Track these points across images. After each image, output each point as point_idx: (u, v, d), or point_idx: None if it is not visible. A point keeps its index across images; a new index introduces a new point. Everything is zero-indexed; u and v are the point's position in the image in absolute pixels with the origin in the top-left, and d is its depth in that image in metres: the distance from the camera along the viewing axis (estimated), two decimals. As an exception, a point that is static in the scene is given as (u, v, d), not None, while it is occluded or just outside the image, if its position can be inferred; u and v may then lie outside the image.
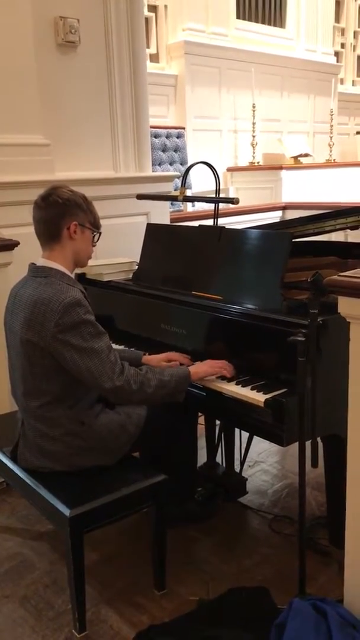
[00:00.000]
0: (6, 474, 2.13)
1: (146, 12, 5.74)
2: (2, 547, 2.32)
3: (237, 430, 2.57)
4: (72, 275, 1.99)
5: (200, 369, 2.03)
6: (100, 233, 2.06)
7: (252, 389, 1.90)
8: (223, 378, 2.02)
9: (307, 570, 1.86)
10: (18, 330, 1.89)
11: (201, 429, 2.65)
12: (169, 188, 3.63)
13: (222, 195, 2.68)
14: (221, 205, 2.62)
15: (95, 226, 2.04)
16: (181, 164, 5.64)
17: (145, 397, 1.92)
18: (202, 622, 1.84)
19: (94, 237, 2.04)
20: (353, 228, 2.84)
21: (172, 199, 3.21)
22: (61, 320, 1.80)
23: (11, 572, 2.18)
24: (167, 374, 1.96)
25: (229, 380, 2.00)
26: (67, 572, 1.87)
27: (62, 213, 1.93)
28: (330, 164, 6.78)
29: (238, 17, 6.75)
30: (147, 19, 5.74)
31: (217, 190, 2.53)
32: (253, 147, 6.34)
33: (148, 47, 5.78)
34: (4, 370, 2.09)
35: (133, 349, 2.33)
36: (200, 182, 5.29)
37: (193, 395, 2.09)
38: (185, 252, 2.49)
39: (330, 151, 7.01)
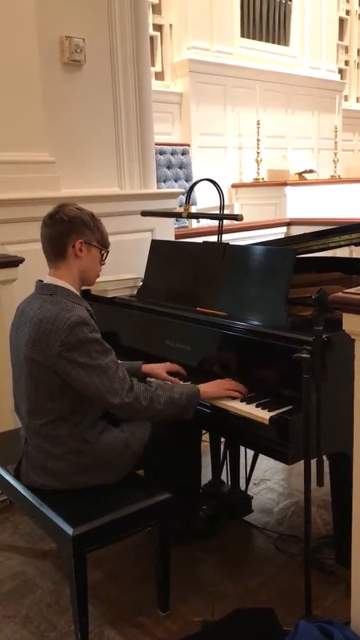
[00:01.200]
0: (9, 492, 2.12)
1: (151, 31, 5.81)
2: (5, 566, 2.30)
3: (242, 448, 2.54)
4: (78, 294, 1.99)
5: (210, 389, 2.00)
6: (108, 251, 2.05)
7: (257, 406, 1.88)
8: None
9: (314, 591, 1.84)
10: (22, 347, 1.88)
11: (206, 446, 2.63)
12: (173, 205, 3.64)
13: (226, 211, 2.69)
14: (226, 222, 2.62)
15: (103, 245, 2.02)
16: (186, 181, 5.67)
17: (154, 414, 1.91)
18: (206, 644, 1.81)
19: (102, 255, 2.03)
20: (358, 244, 2.83)
21: (177, 215, 3.22)
22: (67, 340, 1.79)
23: (13, 592, 2.15)
24: (176, 391, 1.95)
25: (234, 397, 1.98)
26: (70, 592, 1.85)
27: (68, 231, 1.92)
28: (334, 180, 6.80)
29: (242, 35, 6.82)
30: (152, 38, 5.81)
31: (222, 207, 2.53)
32: (258, 163, 6.38)
33: (153, 65, 5.86)
34: (8, 386, 2.08)
35: (131, 362, 2.32)
36: (205, 199, 5.31)
37: (197, 411, 2.07)
38: (190, 269, 2.49)
39: (335, 167, 7.04)
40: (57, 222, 1.92)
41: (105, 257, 2.05)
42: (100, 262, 2.04)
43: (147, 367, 2.23)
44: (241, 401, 1.94)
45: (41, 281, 1.98)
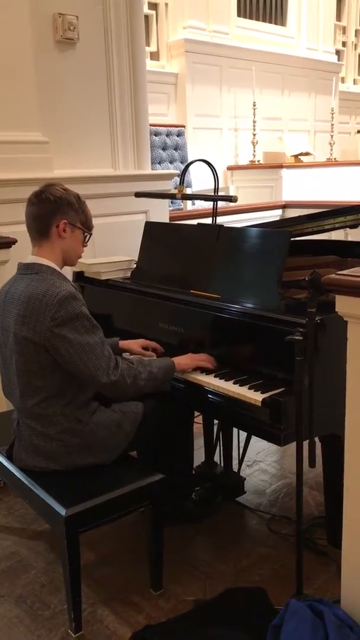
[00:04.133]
0: (2, 473, 2.12)
1: (147, 10, 5.73)
2: (-1, 546, 2.32)
3: (235, 430, 2.55)
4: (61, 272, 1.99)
5: (183, 361, 2.07)
6: (91, 234, 2.07)
7: (249, 388, 1.88)
8: (208, 372, 2.05)
9: (305, 571, 1.85)
10: (12, 328, 1.88)
11: (199, 428, 2.64)
12: (168, 186, 3.61)
13: (222, 193, 2.67)
14: (221, 204, 2.60)
15: (87, 226, 2.04)
16: (181, 162, 5.63)
17: (137, 390, 1.95)
18: (198, 623, 1.83)
19: (85, 237, 2.04)
20: (353, 227, 2.83)
21: (171, 196, 3.20)
22: (57, 314, 1.79)
23: (7, 572, 2.17)
24: (155, 366, 1.99)
25: (223, 377, 1.99)
26: (63, 572, 1.86)
27: (53, 211, 1.93)
28: (330, 163, 6.76)
29: (239, 15, 6.73)
30: (147, 17, 5.73)
31: (216, 189, 2.51)
32: (253, 145, 6.33)
33: (148, 45, 5.78)
34: (-1, 368, 2.08)
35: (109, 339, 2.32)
36: (201, 181, 5.28)
37: (189, 393, 2.08)
38: (184, 251, 2.48)
39: (331, 150, 6.99)
40: (43, 201, 1.93)
41: (88, 239, 2.07)
42: (83, 244, 2.05)
43: (124, 344, 2.28)
44: (234, 383, 1.94)
45: (22, 263, 1.98)
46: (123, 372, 1.89)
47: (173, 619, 1.87)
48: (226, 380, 1.98)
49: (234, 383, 1.94)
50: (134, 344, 2.28)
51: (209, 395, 2.02)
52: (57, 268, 1.96)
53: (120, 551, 2.26)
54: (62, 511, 1.76)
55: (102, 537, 2.27)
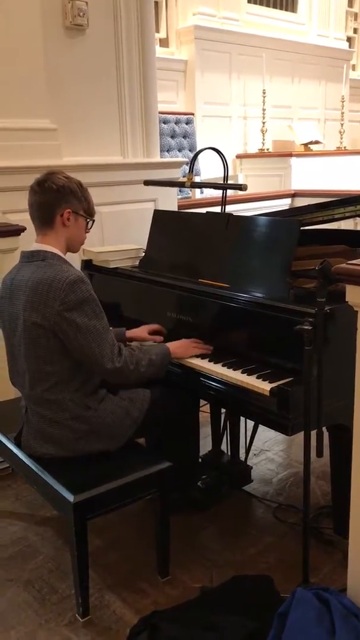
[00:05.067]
0: (11, 460, 2.14)
1: (156, -4, 5.67)
2: (7, 532, 2.33)
3: (242, 419, 2.56)
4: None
5: (179, 348, 2.12)
6: (93, 221, 2.07)
7: (257, 377, 1.88)
8: (208, 359, 2.08)
9: (311, 560, 1.86)
10: (21, 314, 1.88)
11: (207, 417, 2.65)
12: (177, 174, 3.60)
13: (230, 182, 2.65)
14: (230, 192, 2.59)
15: (89, 214, 2.05)
16: (190, 151, 5.60)
17: (138, 376, 1.98)
18: (205, 610, 1.84)
19: (87, 224, 2.05)
20: (363, 216, 2.80)
21: (180, 185, 3.18)
22: (67, 298, 1.81)
23: (16, 557, 2.19)
24: (153, 352, 2.03)
25: (231, 366, 1.99)
26: (71, 558, 1.87)
27: (56, 200, 1.94)
28: (340, 152, 6.70)
29: (249, 1, 6.65)
30: (157, 3, 5.68)
31: (225, 177, 2.50)
32: (263, 133, 6.28)
33: (158, 31, 5.72)
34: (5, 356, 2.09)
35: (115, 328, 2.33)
36: (209, 169, 5.25)
37: (198, 382, 2.08)
38: (193, 239, 2.47)
39: (341, 138, 6.93)
40: (46, 190, 1.93)
41: (91, 226, 2.08)
42: (86, 230, 2.06)
43: (131, 333, 2.31)
44: (242, 372, 1.94)
45: (26, 251, 1.99)
46: (126, 359, 1.92)
47: (180, 606, 1.88)
48: (234, 369, 1.98)
49: (242, 372, 1.94)
50: (141, 332, 2.30)
51: (217, 384, 2.02)
52: (62, 255, 1.97)
53: (127, 538, 2.27)
54: (71, 498, 1.77)
55: (110, 523, 2.29)
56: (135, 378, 1.99)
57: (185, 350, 2.13)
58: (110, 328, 2.04)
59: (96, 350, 1.85)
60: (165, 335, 2.28)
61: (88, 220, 2.04)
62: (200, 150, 2.65)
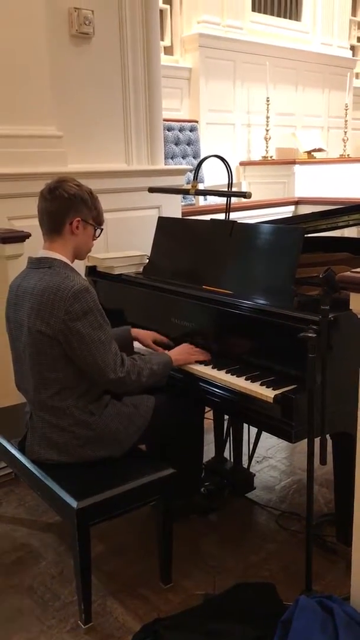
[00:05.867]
0: (14, 465, 2.14)
1: (161, 4, 5.70)
2: (10, 538, 2.33)
3: (245, 426, 2.56)
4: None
5: (180, 356, 2.14)
6: (102, 229, 2.08)
7: (261, 384, 1.89)
8: (212, 365, 2.10)
9: (314, 567, 1.86)
10: (26, 321, 1.89)
11: (209, 423, 2.65)
12: (181, 181, 3.61)
13: (234, 189, 2.67)
14: (233, 200, 2.60)
15: (98, 222, 2.05)
16: (194, 158, 5.62)
17: (140, 386, 1.99)
18: (207, 617, 1.84)
19: (95, 232, 2.06)
20: (366, 224, 2.81)
21: (184, 192, 3.19)
22: (71, 308, 1.81)
23: (18, 563, 2.19)
24: (154, 362, 2.03)
25: (235, 373, 1.99)
26: (73, 564, 1.88)
27: (67, 208, 1.94)
28: (344, 159, 6.72)
29: (254, 9, 6.69)
30: (162, 11, 5.71)
31: (230, 184, 2.51)
32: (266, 141, 6.30)
33: (162, 39, 5.76)
34: (10, 362, 2.09)
35: (120, 327, 2.34)
36: (213, 177, 5.26)
37: (201, 389, 2.09)
38: (197, 246, 2.48)
39: (345, 146, 6.95)
40: (57, 198, 1.93)
41: (99, 235, 2.08)
42: (93, 238, 2.07)
43: (135, 331, 2.32)
44: (246, 379, 1.94)
45: (33, 257, 1.99)
46: (129, 369, 1.93)
47: (182, 613, 1.88)
48: (238, 376, 1.98)
49: (246, 379, 1.95)
50: (146, 336, 2.31)
51: (220, 391, 2.03)
52: (69, 262, 1.97)
53: (130, 544, 2.27)
54: (74, 504, 1.77)
55: (113, 530, 2.29)
56: (137, 388, 2.00)
57: (187, 358, 2.14)
58: (114, 329, 2.06)
59: (99, 360, 1.85)
60: (171, 347, 2.25)
61: (97, 228, 2.05)
62: (205, 158, 2.67)
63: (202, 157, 3.22)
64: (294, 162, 5.78)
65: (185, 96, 6.08)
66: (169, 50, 6.02)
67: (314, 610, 1.63)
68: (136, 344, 2.33)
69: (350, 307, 1.58)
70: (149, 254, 2.74)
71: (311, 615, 1.61)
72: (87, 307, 1.83)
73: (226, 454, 2.65)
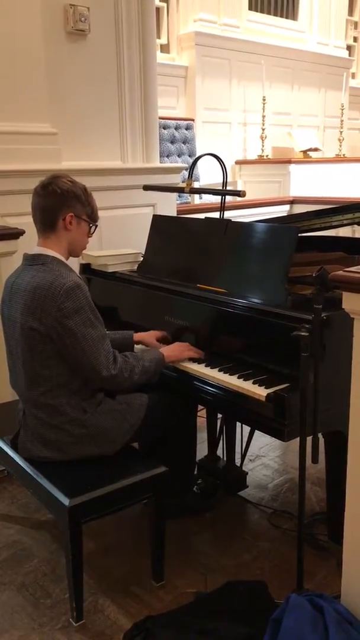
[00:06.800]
0: (7, 463, 2.14)
1: (157, 2, 5.69)
2: (2, 535, 2.33)
3: (238, 425, 2.56)
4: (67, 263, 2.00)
5: (172, 353, 2.12)
6: (96, 226, 2.07)
7: (254, 382, 1.89)
8: (205, 364, 2.09)
9: (306, 566, 1.86)
10: (18, 318, 1.89)
11: (202, 422, 2.65)
12: (176, 180, 3.61)
13: (229, 188, 2.66)
14: (228, 198, 2.60)
15: (93, 219, 2.05)
16: (190, 156, 5.62)
17: (133, 383, 1.99)
18: (199, 615, 1.84)
19: (90, 229, 2.05)
20: (361, 223, 2.82)
21: (179, 190, 3.18)
22: (63, 305, 1.81)
23: (10, 560, 2.18)
24: (146, 359, 2.02)
25: (227, 371, 1.99)
26: (65, 562, 1.87)
27: (60, 204, 1.94)
28: (339, 159, 6.73)
29: (250, 8, 6.69)
30: (158, 9, 5.70)
31: (224, 183, 2.51)
32: (262, 140, 6.30)
33: (159, 37, 5.75)
34: (4, 357, 2.09)
35: (122, 331, 2.34)
36: (209, 175, 5.27)
37: (194, 387, 2.09)
38: (191, 245, 2.48)
39: (340, 146, 6.96)
40: (50, 194, 1.93)
41: (94, 231, 2.08)
42: (88, 235, 2.06)
43: (138, 336, 2.30)
44: (238, 377, 1.94)
45: (28, 253, 1.99)
46: (121, 367, 1.92)
47: (174, 611, 1.88)
48: (231, 374, 1.98)
49: (239, 377, 1.95)
50: (149, 337, 2.29)
51: (213, 389, 2.03)
52: (63, 259, 1.97)
53: (122, 542, 2.27)
54: (66, 501, 1.77)
55: (105, 528, 2.29)
56: (129, 385, 1.99)
57: (179, 354, 2.13)
58: (115, 332, 2.04)
59: (91, 358, 1.85)
60: (170, 342, 2.26)
61: (91, 225, 2.05)
62: (200, 156, 2.66)
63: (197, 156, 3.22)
64: (289, 162, 5.79)
65: (181, 94, 6.07)
66: (165, 48, 6.02)
67: (304, 608, 1.63)
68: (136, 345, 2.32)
69: (343, 307, 1.58)
70: (143, 252, 2.74)
71: (302, 613, 1.61)
72: (79, 304, 1.82)
73: (219, 452, 2.65)
